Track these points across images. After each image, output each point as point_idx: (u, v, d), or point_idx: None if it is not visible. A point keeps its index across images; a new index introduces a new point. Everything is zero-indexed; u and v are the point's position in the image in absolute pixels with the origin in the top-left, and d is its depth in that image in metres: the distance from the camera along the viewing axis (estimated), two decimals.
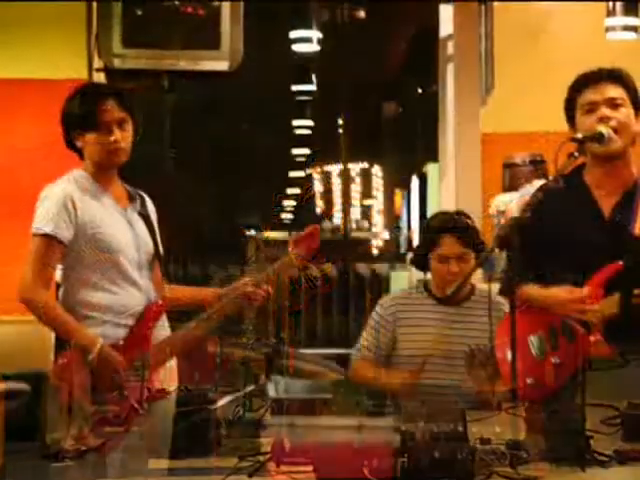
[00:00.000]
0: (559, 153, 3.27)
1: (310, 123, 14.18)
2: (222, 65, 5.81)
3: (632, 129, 3.51)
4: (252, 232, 11.75)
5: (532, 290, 3.54)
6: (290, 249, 3.90)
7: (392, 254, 13.52)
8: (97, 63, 5.95)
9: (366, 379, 4.30)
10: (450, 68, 6.89)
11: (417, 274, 5.20)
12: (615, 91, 3.50)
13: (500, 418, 2.99)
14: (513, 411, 2.86)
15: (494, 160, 6.48)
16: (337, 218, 16.25)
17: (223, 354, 3.38)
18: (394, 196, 14.86)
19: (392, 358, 4.32)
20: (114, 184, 3.82)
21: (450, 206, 6.39)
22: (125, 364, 3.60)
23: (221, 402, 2.90)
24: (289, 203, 19.83)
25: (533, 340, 3.51)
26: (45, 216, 3.66)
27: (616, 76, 3.54)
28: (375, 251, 15.63)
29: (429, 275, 4.37)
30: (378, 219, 16.30)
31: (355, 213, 16.17)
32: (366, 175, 16.36)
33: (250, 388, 3.09)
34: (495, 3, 6.63)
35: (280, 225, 17.62)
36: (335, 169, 16.77)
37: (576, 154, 3.37)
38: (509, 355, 3.02)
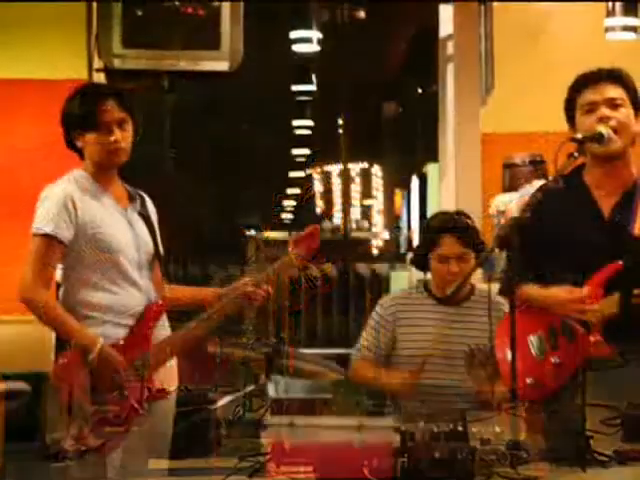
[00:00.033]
0: (559, 153, 3.27)
1: (310, 123, 14.18)
2: (222, 65, 5.81)
3: (632, 129, 3.51)
4: (252, 232, 11.74)
5: (532, 290, 3.54)
6: (290, 249, 3.90)
7: (392, 254, 13.51)
8: (97, 63, 5.95)
9: (366, 379, 4.31)
10: (450, 68, 6.89)
11: (417, 274, 5.20)
12: (615, 91, 3.50)
13: (500, 418, 2.99)
14: (513, 411, 2.86)
15: (494, 160, 6.48)
16: (337, 218, 16.25)
17: (223, 354, 3.38)
18: (394, 196, 14.86)
19: (392, 358, 4.32)
20: (114, 184, 3.82)
21: (450, 206, 6.39)
22: (125, 364, 3.60)
23: (221, 402, 2.90)
24: (289, 203, 19.83)
25: (533, 340, 3.52)
26: (45, 216, 3.66)
27: (616, 76, 3.54)
28: (375, 251, 15.62)
29: (429, 275, 4.37)
30: (378, 219, 16.30)
31: (355, 213, 16.16)
32: (366, 175, 16.35)
33: (250, 388, 3.09)
34: (495, 3, 6.62)
35: (280, 225, 17.62)
36: (335, 169, 16.77)
37: (576, 154, 3.37)
38: (509, 355, 3.02)
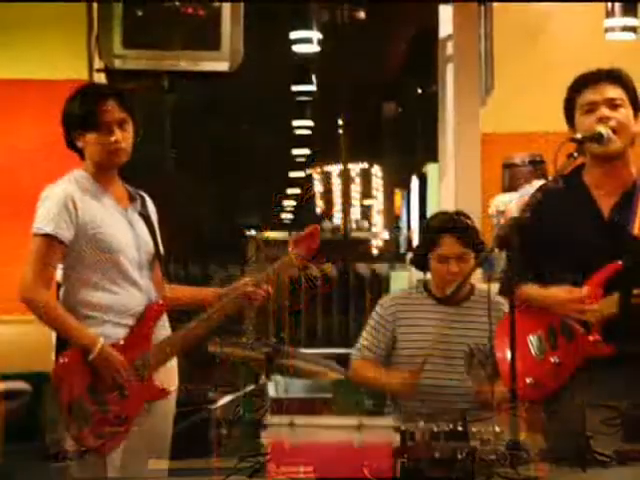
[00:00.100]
0: (558, 153, 3.27)
1: (310, 123, 14.17)
2: (222, 65, 5.81)
3: (631, 129, 3.51)
4: (252, 232, 11.73)
5: (531, 290, 3.54)
6: (290, 249, 3.90)
7: (392, 254, 13.50)
8: (97, 64, 5.96)
9: (366, 379, 4.31)
10: (450, 68, 6.89)
11: (417, 274, 5.20)
12: (614, 91, 3.51)
13: (500, 418, 2.99)
14: (513, 411, 2.87)
15: (494, 160, 6.48)
16: (337, 218, 16.24)
17: (223, 354, 3.39)
18: (394, 196, 14.84)
19: (392, 358, 4.32)
20: (115, 184, 3.82)
21: (450, 206, 6.39)
22: (126, 364, 3.60)
23: (221, 402, 2.90)
24: (289, 203, 19.81)
25: (532, 340, 3.52)
26: (46, 216, 3.66)
27: (615, 76, 3.54)
28: (375, 251, 15.62)
29: (429, 275, 4.37)
30: (378, 219, 16.29)
31: (355, 213, 16.15)
32: (366, 175, 16.34)
33: (250, 388, 3.09)
34: (495, 4, 6.62)
35: (280, 225, 17.60)
36: (335, 169, 16.76)
37: (575, 154, 3.37)
38: (508, 355, 3.02)
